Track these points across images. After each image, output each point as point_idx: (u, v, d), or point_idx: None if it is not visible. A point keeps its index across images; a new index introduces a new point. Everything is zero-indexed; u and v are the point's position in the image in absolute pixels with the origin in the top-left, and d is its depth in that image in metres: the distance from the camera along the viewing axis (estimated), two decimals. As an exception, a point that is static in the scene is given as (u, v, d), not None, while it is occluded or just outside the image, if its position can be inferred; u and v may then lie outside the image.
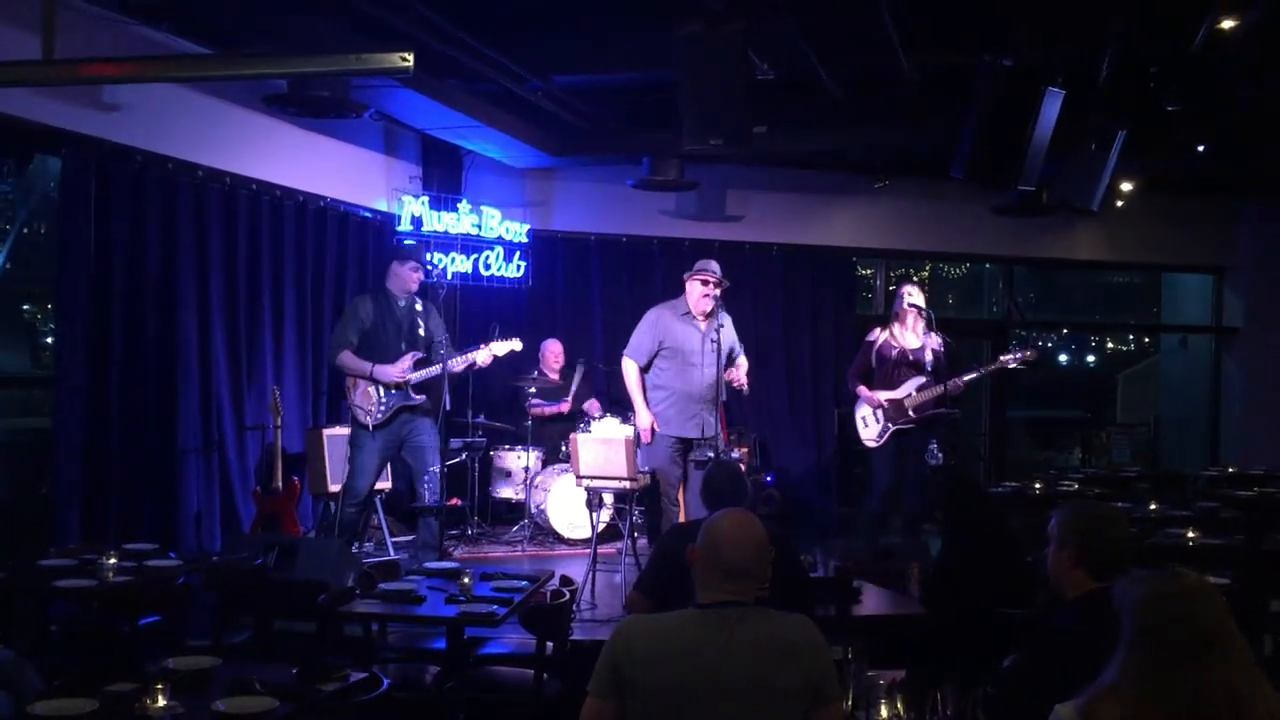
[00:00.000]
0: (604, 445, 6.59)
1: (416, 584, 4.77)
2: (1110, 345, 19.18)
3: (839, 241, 10.63)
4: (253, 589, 4.98)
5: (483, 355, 6.95)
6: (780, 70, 6.89)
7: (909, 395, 7.47)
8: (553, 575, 5.16)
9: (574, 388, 9.13)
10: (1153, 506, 7.03)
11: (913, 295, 7.58)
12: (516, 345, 7.09)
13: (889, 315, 7.83)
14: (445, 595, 4.62)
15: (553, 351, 9.28)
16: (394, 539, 7.98)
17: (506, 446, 8.90)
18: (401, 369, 6.79)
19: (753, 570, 2.86)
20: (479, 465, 8.72)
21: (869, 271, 11.52)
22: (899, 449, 7.54)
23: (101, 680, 3.23)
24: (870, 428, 7.61)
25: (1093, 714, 2.30)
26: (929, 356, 7.50)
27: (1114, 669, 2.33)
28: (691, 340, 6.82)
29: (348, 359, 6.88)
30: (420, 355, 6.87)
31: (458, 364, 6.90)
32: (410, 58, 3.62)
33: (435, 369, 6.82)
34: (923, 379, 7.47)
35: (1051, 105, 6.85)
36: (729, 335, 6.82)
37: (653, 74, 7.37)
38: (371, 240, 9.05)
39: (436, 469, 6.83)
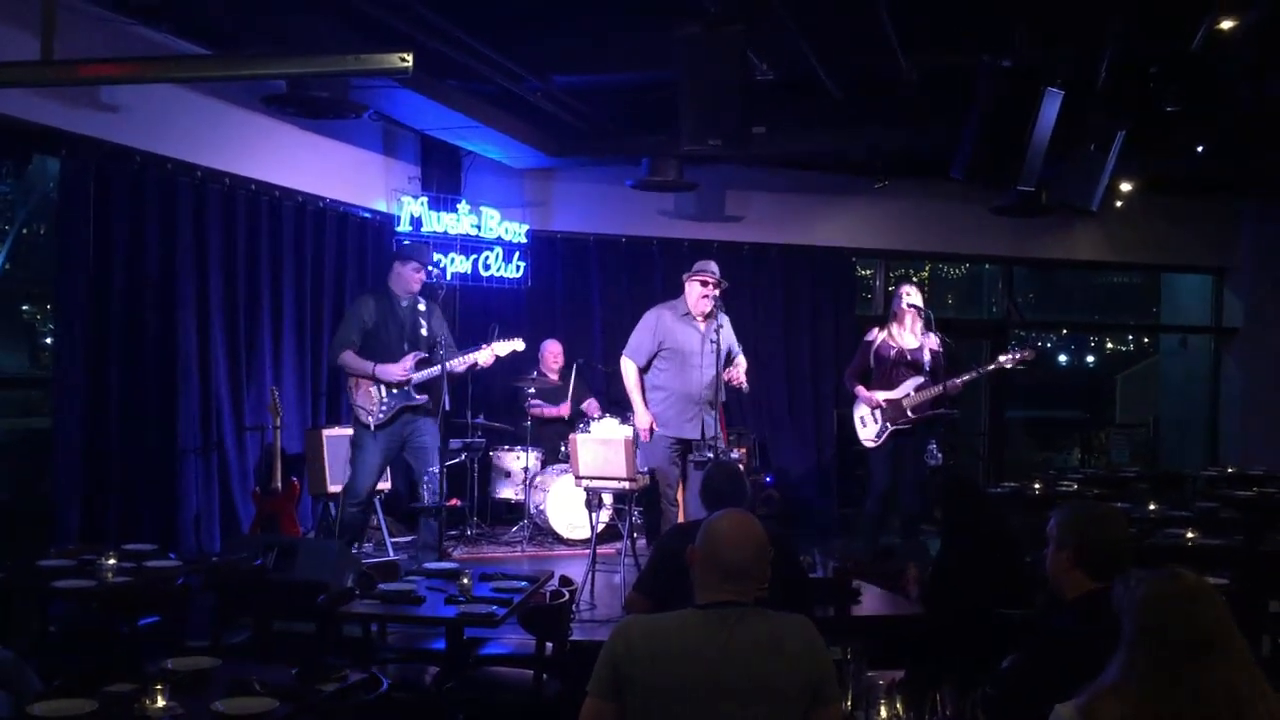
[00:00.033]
0: (603, 446, 6.59)
1: (416, 584, 4.77)
2: (1109, 346, 19.19)
3: (838, 242, 10.63)
4: (252, 589, 4.99)
5: (484, 355, 6.94)
6: (780, 71, 6.89)
7: (907, 395, 7.47)
8: (552, 576, 5.16)
9: (570, 391, 9.12)
10: (1152, 507, 7.03)
11: (911, 295, 7.59)
12: (519, 345, 7.09)
13: (888, 315, 7.84)
14: (445, 596, 4.62)
15: (552, 352, 9.27)
16: (393, 539, 7.98)
17: (506, 447, 8.90)
18: (404, 368, 6.78)
19: (752, 571, 2.86)
20: (478, 466, 8.73)
21: (868, 272, 11.52)
22: (897, 449, 7.54)
23: (101, 681, 3.23)
24: (868, 428, 7.61)
25: (1093, 714, 2.30)
26: (927, 356, 7.51)
27: (1114, 669, 2.34)
28: (691, 341, 6.82)
29: (349, 359, 6.87)
30: (422, 355, 6.86)
31: (460, 364, 6.90)
32: (409, 58, 3.62)
33: (437, 369, 6.81)
34: (921, 379, 7.47)
35: (1051, 106, 6.85)
36: (727, 336, 6.83)
37: (652, 74, 7.38)
38: (370, 241, 9.06)
39: (436, 469, 6.83)
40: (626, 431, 7.38)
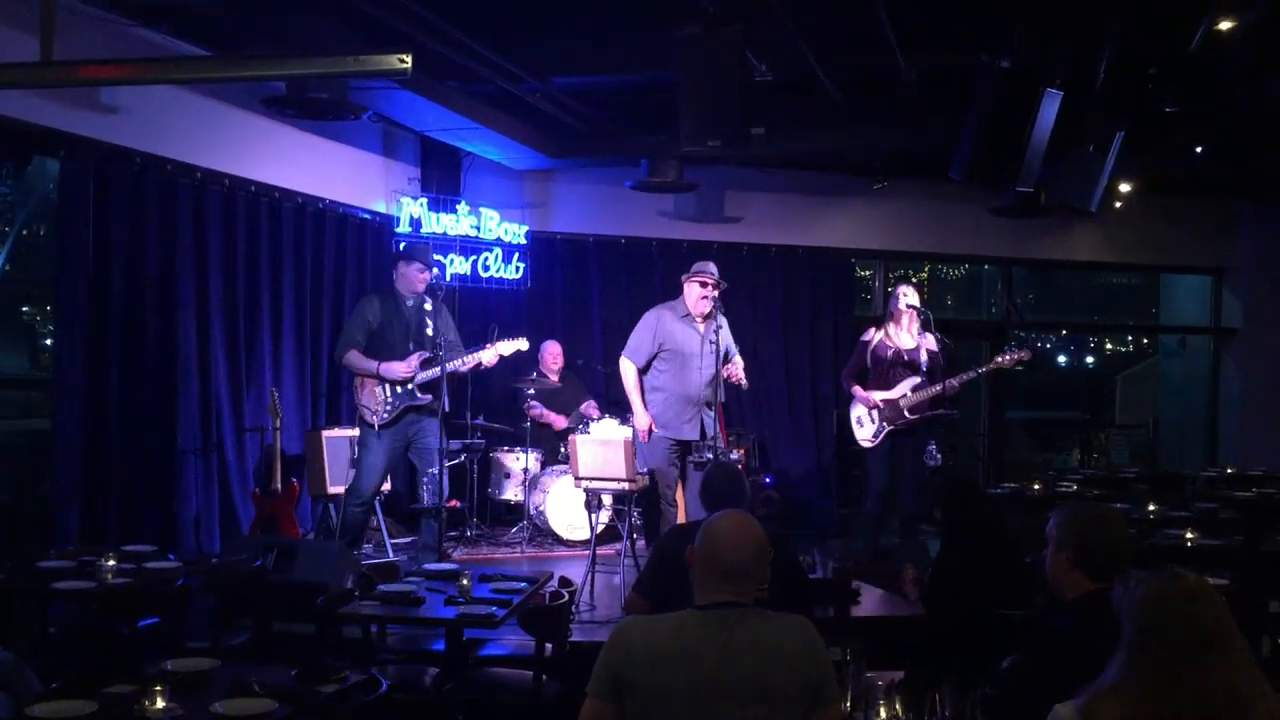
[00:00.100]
0: (603, 447, 6.59)
1: (415, 586, 4.76)
2: (1109, 346, 19.19)
3: (838, 243, 10.63)
4: (251, 591, 4.98)
5: (488, 355, 6.96)
6: (779, 71, 6.89)
7: (904, 396, 7.47)
8: (552, 576, 5.16)
9: (569, 403, 9.09)
10: (1151, 507, 7.03)
11: (908, 296, 7.59)
12: (522, 345, 7.11)
13: (885, 316, 7.85)
14: (444, 597, 4.62)
15: (551, 353, 9.27)
16: (393, 540, 7.98)
17: (505, 448, 8.90)
18: (408, 366, 6.80)
19: (751, 571, 2.86)
20: (478, 467, 8.73)
21: (868, 273, 11.52)
22: (895, 449, 7.55)
23: (100, 682, 3.23)
24: (865, 428, 7.61)
25: (1093, 714, 2.30)
26: (924, 357, 7.51)
27: (1114, 669, 2.34)
28: (691, 342, 6.82)
29: (354, 358, 6.90)
30: (427, 355, 6.87)
31: (464, 364, 6.92)
32: (408, 59, 3.62)
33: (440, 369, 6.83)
34: (918, 379, 7.48)
35: (1050, 106, 6.85)
36: (725, 337, 6.83)
37: (651, 75, 7.38)
38: (370, 242, 9.06)
39: (436, 470, 6.83)
40: (626, 432, 7.38)
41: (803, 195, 10.48)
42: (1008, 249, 11.06)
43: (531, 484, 8.55)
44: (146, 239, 6.77)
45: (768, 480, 9.55)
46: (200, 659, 3.67)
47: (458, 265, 9.18)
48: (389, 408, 6.86)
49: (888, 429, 7.51)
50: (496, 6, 6.38)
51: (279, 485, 7.28)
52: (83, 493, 6.36)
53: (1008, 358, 7.64)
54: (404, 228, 8.92)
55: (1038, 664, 2.94)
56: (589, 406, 9.00)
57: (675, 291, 7.07)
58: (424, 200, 9.11)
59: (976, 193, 9.35)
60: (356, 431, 7.59)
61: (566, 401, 9.15)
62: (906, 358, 7.54)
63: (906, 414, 7.44)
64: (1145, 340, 15.87)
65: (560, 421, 9.01)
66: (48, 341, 7.84)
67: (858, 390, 7.61)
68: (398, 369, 6.80)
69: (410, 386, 6.86)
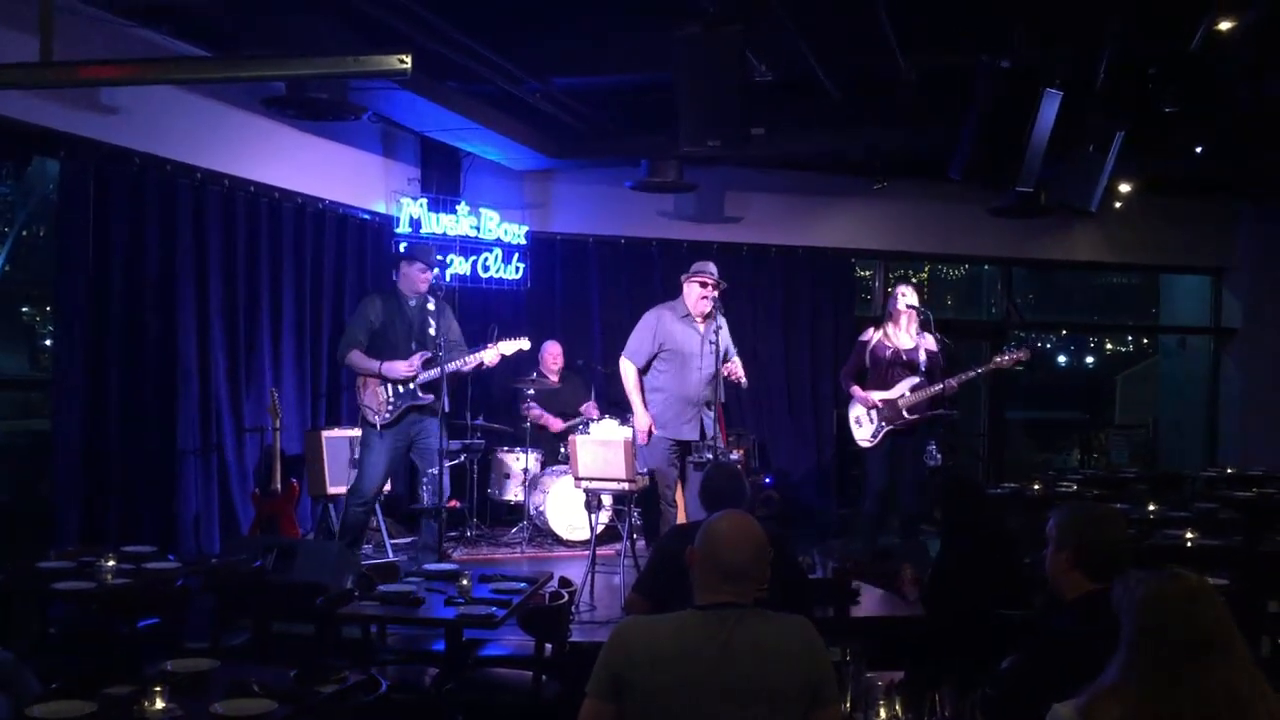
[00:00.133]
0: (602, 447, 6.59)
1: (415, 586, 4.76)
2: (1109, 346, 19.19)
3: (837, 243, 10.63)
4: (251, 591, 4.98)
5: (490, 355, 6.97)
6: (778, 71, 6.89)
7: (903, 396, 7.47)
8: (551, 577, 5.16)
9: (572, 421, 9.08)
10: (1151, 508, 7.03)
11: (907, 296, 7.59)
12: (524, 344, 7.12)
13: (884, 315, 7.85)
14: (444, 597, 4.62)
15: (552, 353, 9.27)
16: (393, 541, 7.98)
17: (505, 448, 8.89)
18: (410, 365, 6.82)
19: (751, 572, 2.86)
20: (478, 467, 8.73)
21: (868, 273, 11.52)
22: (894, 449, 7.54)
23: (100, 682, 3.23)
24: (864, 428, 7.61)
25: (1092, 714, 2.30)
26: (922, 357, 7.51)
27: (1114, 669, 2.34)
28: (691, 342, 6.82)
29: (356, 358, 6.92)
30: (429, 354, 6.87)
31: (466, 364, 6.94)
32: (408, 60, 3.62)
33: (445, 368, 6.84)
34: (916, 379, 7.47)
35: (1049, 106, 6.85)
36: (725, 337, 6.83)
37: (651, 75, 7.38)
38: (370, 242, 9.06)
39: (436, 470, 6.84)
40: (626, 433, 7.37)
41: (802, 195, 10.48)
42: (1008, 249, 11.06)
43: (531, 484, 8.55)
44: (146, 239, 6.77)
45: (767, 480, 9.55)
46: (200, 659, 3.66)
47: (457, 266, 9.18)
48: (391, 408, 6.88)
49: (886, 429, 7.50)
50: (496, 7, 6.38)
51: (279, 485, 7.28)
52: (83, 493, 6.36)
53: (1006, 358, 7.64)
54: (404, 228, 8.93)
55: (1037, 664, 2.94)
56: (589, 408, 8.99)
57: (675, 291, 7.07)
58: (424, 200, 9.11)
59: (976, 193, 9.36)
60: (356, 432, 7.61)
61: (566, 402, 9.14)
62: (905, 358, 7.54)
63: (905, 414, 7.44)
64: (1145, 340, 15.87)
65: (557, 423, 9.01)
66: (47, 342, 7.84)
67: (856, 390, 7.61)
68: (399, 368, 6.81)
69: (412, 386, 6.87)
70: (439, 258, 8.78)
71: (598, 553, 6.67)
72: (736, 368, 6.88)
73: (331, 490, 7.78)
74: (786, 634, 2.78)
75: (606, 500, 6.82)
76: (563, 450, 8.29)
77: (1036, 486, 7.77)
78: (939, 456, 7.60)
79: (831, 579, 5.02)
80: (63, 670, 4.15)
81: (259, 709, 3.16)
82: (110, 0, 5.98)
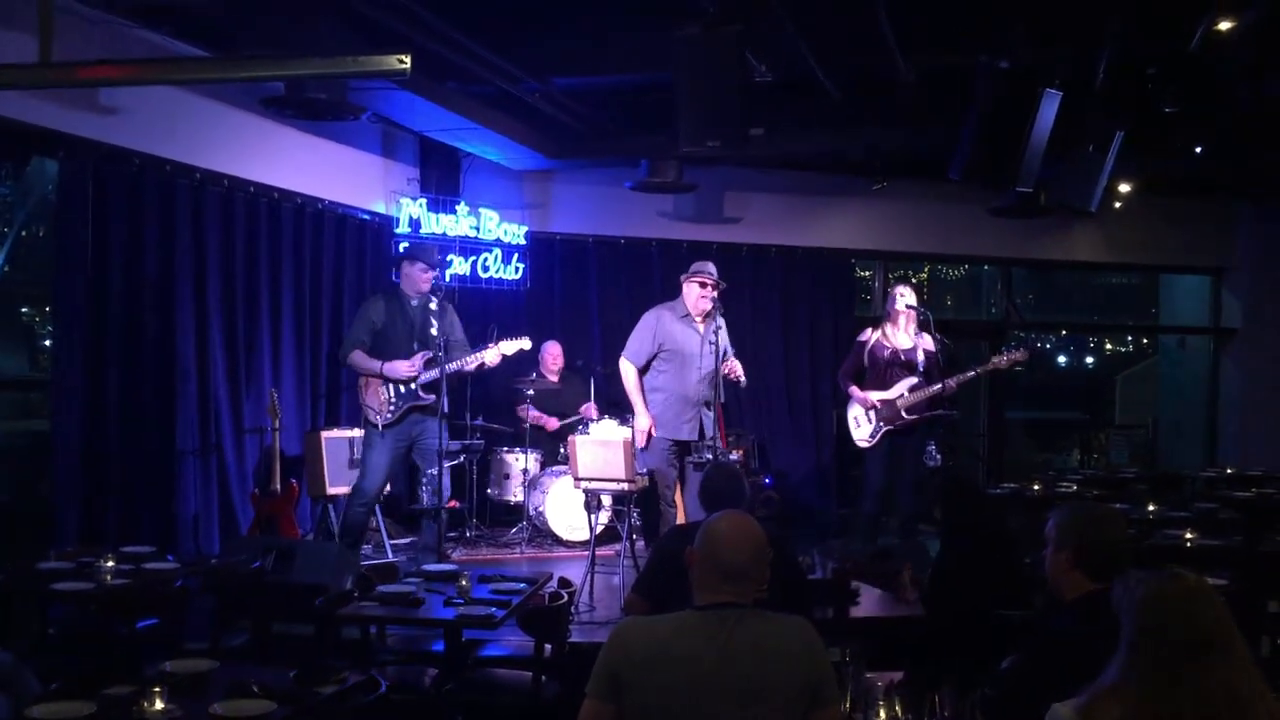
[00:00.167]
0: (602, 447, 6.59)
1: (415, 586, 4.76)
2: (1109, 346, 19.19)
3: (837, 243, 10.63)
4: (250, 592, 4.99)
5: (491, 355, 6.99)
6: (778, 72, 6.89)
7: (901, 396, 7.47)
8: (551, 577, 5.16)
9: (568, 420, 9.07)
10: (1151, 508, 7.02)
11: (906, 296, 7.59)
12: (525, 344, 7.14)
13: (883, 315, 7.85)
14: (443, 598, 4.62)
15: (552, 354, 9.27)
16: (392, 541, 7.97)
17: (505, 448, 8.89)
18: (411, 365, 6.83)
19: (751, 572, 2.86)
20: (477, 467, 8.72)
21: (867, 273, 11.52)
22: (892, 449, 7.54)
23: (99, 683, 3.23)
24: (862, 428, 7.61)
25: (1092, 714, 2.30)
26: (921, 357, 7.51)
27: (1114, 669, 2.34)
28: (691, 342, 6.82)
29: (358, 358, 6.96)
30: (431, 354, 6.88)
31: (468, 364, 6.95)
32: (407, 60, 3.62)
33: (448, 369, 6.85)
34: (915, 379, 7.47)
35: (1049, 107, 6.85)
36: (724, 338, 6.82)
37: (651, 75, 7.37)
38: (369, 243, 9.05)
39: (435, 471, 6.84)
40: (625, 433, 7.37)
41: (802, 196, 10.48)
42: (1007, 249, 11.06)
43: (531, 485, 8.54)
44: (145, 240, 6.76)
45: (767, 481, 9.55)
46: (199, 660, 3.66)
47: (457, 266, 9.18)
48: (393, 408, 6.91)
49: (884, 429, 7.50)
50: (495, 7, 6.38)
51: (278, 486, 7.28)
52: (82, 494, 6.35)
53: (1004, 359, 7.64)
54: (403, 228, 8.93)
55: (1037, 664, 2.94)
56: (588, 408, 8.99)
57: (675, 292, 7.06)
58: (423, 201, 9.11)
59: (976, 193, 9.35)
60: (355, 432, 7.62)
61: (565, 402, 9.14)
62: (903, 358, 7.54)
63: (904, 414, 7.44)
64: (1145, 340, 15.88)
65: (553, 423, 9.01)
66: (47, 342, 7.84)
67: (854, 390, 7.61)
68: (401, 369, 6.83)
69: (414, 387, 6.90)
70: (439, 258, 8.79)
71: (597, 553, 6.66)
72: (736, 366, 6.88)
73: (331, 491, 7.78)
74: (786, 634, 2.78)
75: (606, 501, 6.82)
76: (562, 451, 8.29)
77: (1036, 487, 7.75)
78: (939, 457, 7.60)
79: (831, 579, 5.02)
80: (62, 671, 4.16)
81: (258, 710, 3.15)
82: (110, 0, 5.97)
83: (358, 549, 7.15)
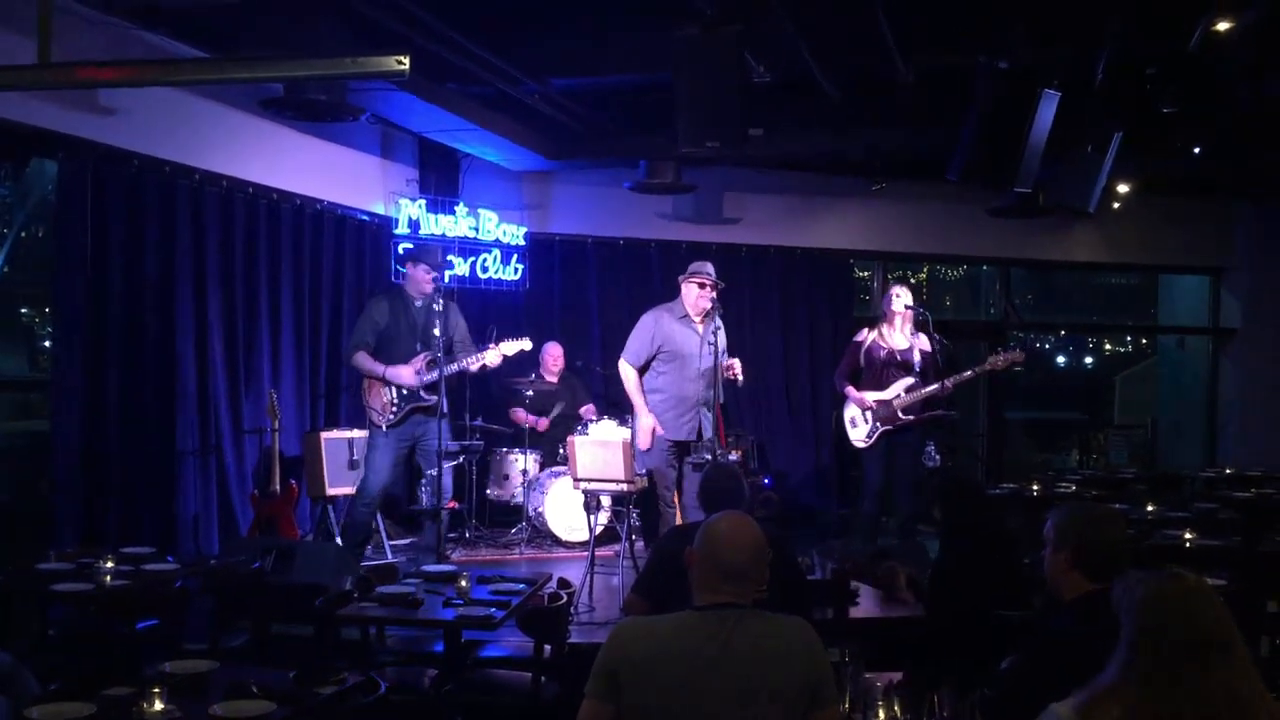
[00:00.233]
0: (601, 448, 6.59)
1: (414, 587, 4.76)
2: (1108, 347, 19.21)
3: (836, 244, 10.64)
4: (250, 592, 4.98)
5: (492, 356, 7.03)
6: (777, 72, 6.89)
7: (897, 396, 7.47)
8: (550, 578, 5.15)
9: (554, 413, 9.07)
10: (1150, 508, 7.02)
11: (902, 296, 7.59)
12: (526, 345, 7.18)
13: (879, 316, 7.85)
14: (443, 598, 4.62)
15: (552, 355, 9.27)
16: (392, 542, 7.97)
17: (504, 449, 8.89)
18: (414, 371, 6.86)
19: (750, 572, 2.86)
20: (476, 468, 8.72)
21: (866, 274, 11.52)
22: (890, 448, 7.54)
23: (99, 684, 3.23)
24: (859, 428, 7.61)
25: (1090, 714, 2.30)
26: (917, 357, 7.51)
27: (1113, 669, 2.33)
28: (690, 343, 6.81)
29: (363, 360, 7.01)
30: (431, 355, 6.89)
31: (470, 364, 6.96)
32: (406, 61, 3.62)
33: (450, 369, 6.88)
34: (911, 380, 7.47)
35: (1048, 107, 6.85)
36: (721, 338, 6.82)
37: (650, 76, 7.37)
38: (369, 243, 9.06)
39: (434, 472, 6.85)
40: (624, 434, 7.38)
41: (801, 196, 10.48)
42: (1006, 250, 11.06)
43: (530, 485, 8.54)
44: (145, 241, 6.77)
45: (766, 481, 9.54)
46: (199, 661, 3.66)
47: (456, 267, 9.18)
48: (396, 409, 6.98)
49: (881, 429, 7.50)
50: (495, 7, 6.38)
51: (278, 487, 7.28)
52: (82, 494, 6.36)
53: (1001, 359, 7.64)
54: (402, 229, 8.93)
55: (1037, 665, 2.94)
56: (588, 410, 9.00)
57: (674, 292, 7.06)
58: (422, 201, 9.11)
59: (975, 194, 9.36)
60: (355, 433, 7.63)
61: (565, 403, 9.14)
62: (900, 358, 7.54)
63: (900, 415, 7.44)
64: (1144, 341, 15.88)
65: (543, 423, 9.00)
66: (46, 343, 7.84)
67: (851, 390, 7.61)
68: (404, 375, 6.88)
69: (416, 388, 6.93)
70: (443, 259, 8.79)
71: (596, 554, 6.66)
72: (734, 364, 6.88)
73: (330, 491, 7.78)
74: (785, 635, 2.78)
75: (605, 501, 6.82)
76: (562, 451, 8.29)
77: (1036, 487, 7.76)
78: (938, 457, 7.61)
79: (830, 580, 5.02)
80: (62, 671, 4.17)
81: (258, 710, 3.15)
82: (108, 1, 5.97)
83: (362, 549, 7.17)
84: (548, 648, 4.50)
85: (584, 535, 7.61)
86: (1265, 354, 11.41)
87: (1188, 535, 6.09)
